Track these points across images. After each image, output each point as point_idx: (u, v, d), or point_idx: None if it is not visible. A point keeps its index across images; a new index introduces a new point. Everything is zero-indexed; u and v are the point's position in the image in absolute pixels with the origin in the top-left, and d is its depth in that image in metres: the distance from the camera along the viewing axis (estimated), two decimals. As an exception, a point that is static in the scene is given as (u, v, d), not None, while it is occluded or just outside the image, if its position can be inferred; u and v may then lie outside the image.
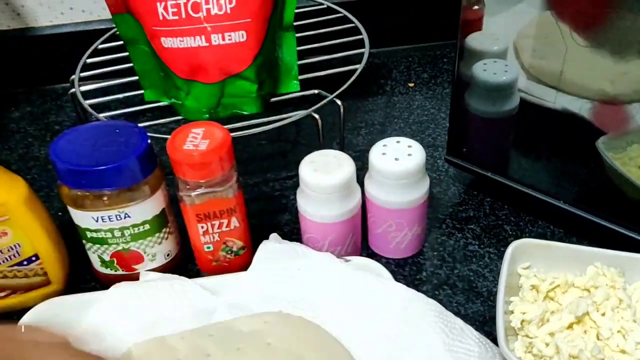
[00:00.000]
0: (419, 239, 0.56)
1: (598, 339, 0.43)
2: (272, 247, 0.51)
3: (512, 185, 0.58)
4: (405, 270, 0.55)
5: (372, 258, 0.52)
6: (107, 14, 0.79)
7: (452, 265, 0.55)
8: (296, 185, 0.63)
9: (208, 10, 0.52)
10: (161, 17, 0.53)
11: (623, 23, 0.45)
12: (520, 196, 0.58)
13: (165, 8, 0.52)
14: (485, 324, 0.50)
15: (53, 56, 0.81)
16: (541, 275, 0.48)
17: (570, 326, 0.44)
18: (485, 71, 0.56)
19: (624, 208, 0.53)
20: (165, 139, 0.53)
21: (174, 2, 0.52)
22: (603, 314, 0.44)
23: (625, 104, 0.49)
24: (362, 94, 0.77)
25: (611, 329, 0.43)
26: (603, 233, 0.53)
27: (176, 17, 0.53)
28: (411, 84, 0.78)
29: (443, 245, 0.57)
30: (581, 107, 0.51)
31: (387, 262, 0.55)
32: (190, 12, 0.52)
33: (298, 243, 0.52)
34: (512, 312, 0.46)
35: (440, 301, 0.48)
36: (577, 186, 0.56)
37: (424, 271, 0.55)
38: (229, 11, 0.52)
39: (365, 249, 0.57)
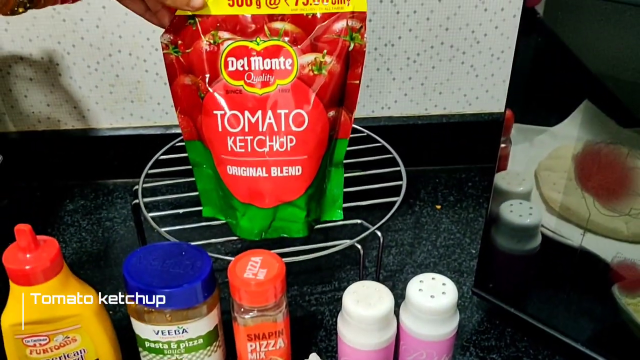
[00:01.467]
0: (445, 367, 0.60)
1: None
2: (312, 367, 0.56)
3: (533, 322, 0.63)
4: (432, 396, 0.59)
5: (400, 382, 0.57)
6: (162, 122, 0.87)
7: (475, 394, 0.60)
8: (331, 300, 0.69)
9: (271, 147, 0.60)
10: (229, 149, 0.60)
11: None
12: (540, 331, 0.62)
13: (235, 142, 0.60)
14: None
15: (109, 155, 0.88)
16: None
17: None
18: (512, 212, 0.62)
19: (637, 354, 0.58)
20: (222, 259, 0.59)
21: (243, 137, 0.59)
22: None
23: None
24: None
25: None
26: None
27: (242, 150, 0.60)
28: (438, 207, 0.84)
29: (467, 373, 0.62)
30: (600, 250, 0.56)
31: (414, 387, 0.60)
32: (256, 147, 0.60)
33: (335, 365, 0.57)
34: None
35: None
36: (593, 326, 0.61)
37: (449, 398, 0.59)
38: (289, 149, 0.60)
39: (394, 372, 0.61)
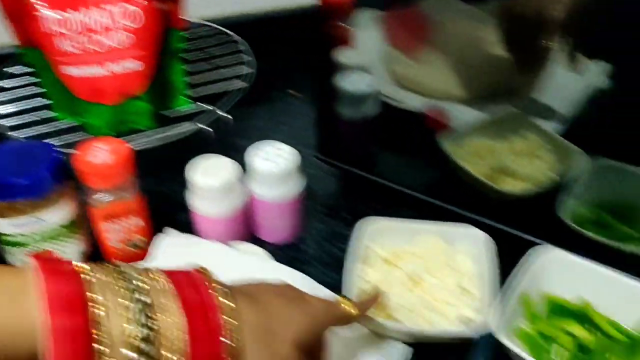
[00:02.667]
0: (297, 226, 0.67)
1: (428, 296, 0.56)
2: (169, 239, 0.61)
3: (375, 179, 0.70)
4: (285, 252, 0.66)
5: (257, 244, 0.63)
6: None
7: (324, 246, 0.66)
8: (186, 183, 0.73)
9: (108, 45, 0.62)
10: (63, 50, 0.61)
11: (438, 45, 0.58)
12: (386, 188, 0.70)
13: (67, 43, 0.61)
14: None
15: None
16: (387, 246, 0.60)
17: (407, 287, 0.56)
18: (350, 82, 0.67)
19: (462, 193, 0.66)
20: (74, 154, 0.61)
21: (76, 37, 0.61)
22: (433, 276, 0.57)
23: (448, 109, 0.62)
24: (246, 101, 0.87)
25: (439, 287, 0.55)
26: (447, 214, 0.65)
27: (77, 50, 0.61)
28: (292, 92, 0.89)
29: (317, 229, 0.68)
30: (425, 107, 0.63)
31: (270, 247, 0.66)
32: (91, 46, 0.61)
33: (191, 235, 0.62)
34: (362, 278, 0.57)
35: (313, 275, 0.60)
36: (431, 176, 0.69)
37: (301, 252, 0.66)
38: (126, 45, 0.62)
39: (251, 236, 0.67)
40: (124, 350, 0.35)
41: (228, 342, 0.38)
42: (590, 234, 0.59)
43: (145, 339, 0.35)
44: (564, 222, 0.60)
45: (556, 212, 0.60)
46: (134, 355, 0.35)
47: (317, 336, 0.42)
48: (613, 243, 0.58)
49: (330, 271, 0.63)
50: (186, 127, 0.66)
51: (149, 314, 0.36)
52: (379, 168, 0.71)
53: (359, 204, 0.72)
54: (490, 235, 0.61)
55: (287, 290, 0.44)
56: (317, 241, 0.67)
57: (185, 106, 0.70)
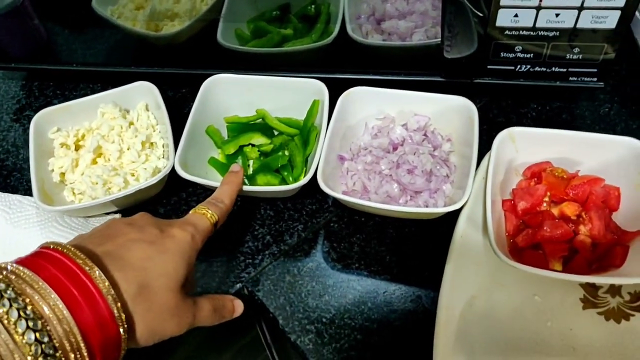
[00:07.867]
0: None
1: (115, 162, 0.56)
2: None
3: (46, 67, 0.67)
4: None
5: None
6: None
7: (19, 153, 0.64)
8: None
9: None
10: None
11: None
12: (60, 72, 0.67)
13: None
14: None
15: None
16: (70, 132, 0.59)
17: (94, 161, 0.57)
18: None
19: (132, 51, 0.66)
20: None
21: None
22: (113, 142, 0.57)
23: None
24: None
25: (120, 150, 0.56)
26: (125, 77, 0.64)
27: None
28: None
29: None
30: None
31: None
32: None
33: None
34: (52, 171, 0.56)
35: (13, 188, 0.58)
36: (95, 47, 0.67)
37: (-4, 168, 0.63)
38: None
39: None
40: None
41: (113, 308, 0.33)
42: (252, 48, 0.62)
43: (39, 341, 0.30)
44: (225, 46, 0.62)
45: (218, 39, 0.62)
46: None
47: (191, 265, 0.40)
48: (274, 49, 0.62)
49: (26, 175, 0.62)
50: None
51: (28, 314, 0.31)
52: (47, 55, 0.68)
53: (41, 97, 0.69)
54: (163, 80, 0.62)
55: (145, 229, 0.39)
56: (7, 150, 0.64)
57: None
